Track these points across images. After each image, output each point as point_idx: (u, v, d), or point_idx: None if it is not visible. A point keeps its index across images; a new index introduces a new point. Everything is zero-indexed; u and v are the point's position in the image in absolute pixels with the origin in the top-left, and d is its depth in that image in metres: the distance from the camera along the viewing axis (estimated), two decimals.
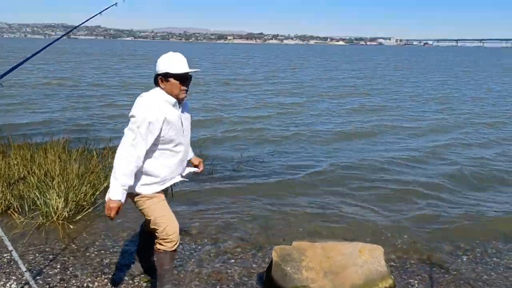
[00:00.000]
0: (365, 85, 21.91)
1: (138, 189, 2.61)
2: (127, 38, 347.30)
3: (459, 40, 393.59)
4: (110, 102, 13.50)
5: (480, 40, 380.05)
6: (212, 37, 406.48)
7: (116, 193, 2.43)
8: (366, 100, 16.22)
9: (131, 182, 2.48)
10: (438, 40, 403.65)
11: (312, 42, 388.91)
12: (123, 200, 2.46)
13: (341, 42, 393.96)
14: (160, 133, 2.47)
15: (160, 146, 2.56)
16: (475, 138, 9.73)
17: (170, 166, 2.66)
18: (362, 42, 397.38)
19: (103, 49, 73.09)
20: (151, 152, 2.53)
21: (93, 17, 5.10)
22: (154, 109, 2.45)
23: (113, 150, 6.07)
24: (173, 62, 2.51)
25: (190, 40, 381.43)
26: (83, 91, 16.16)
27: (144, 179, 2.59)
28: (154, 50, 69.69)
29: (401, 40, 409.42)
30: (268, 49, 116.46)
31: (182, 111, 2.65)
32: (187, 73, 2.55)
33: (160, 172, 2.62)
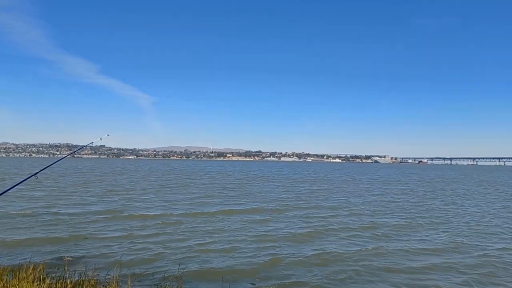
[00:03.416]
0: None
1: None
2: (130, 157, 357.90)
3: (452, 158, 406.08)
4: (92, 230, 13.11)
5: (473, 159, 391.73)
6: (212, 155, 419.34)
7: None
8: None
9: None
10: (432, 158, 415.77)
11: (309, 159, 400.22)
12: None
13: (337, 160, 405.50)
14: None
15: None
16: None
17: None
18: (358, 160, 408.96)
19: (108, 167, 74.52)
20: None
21: (86, 145, 5.65)
22: None
23: (89, 278, 5.71)
24: None
25: (191, 158, 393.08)
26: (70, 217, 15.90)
27: None
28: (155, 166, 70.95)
29: (396, 158, 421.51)
30: (291, 166, 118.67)
31: None
32: None
33: None
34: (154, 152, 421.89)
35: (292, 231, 12.88)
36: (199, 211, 17.27)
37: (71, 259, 8.25)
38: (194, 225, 13.79)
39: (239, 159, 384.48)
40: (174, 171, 62.39)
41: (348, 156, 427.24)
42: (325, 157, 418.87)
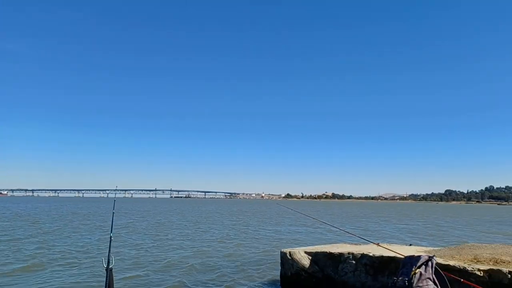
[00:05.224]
0: None
1: None
2: None
3: (34, 190, 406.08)
4: None
5: (55, 191, 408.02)
6: None
7: None
8: None
9: None
10: (13, 190, 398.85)
11: None
12: None
13: None
14: None
15: None
16: None
17: None
18: None
19: None
20: None
21: None
22: None
23: None
24: None
25: None
26: None
27: None
28: None
29: None
30: None
31: None
32: None
33: None
34: None
35: None
36: None
37: None
38: None
39: None
40: None
41: None
42: None
